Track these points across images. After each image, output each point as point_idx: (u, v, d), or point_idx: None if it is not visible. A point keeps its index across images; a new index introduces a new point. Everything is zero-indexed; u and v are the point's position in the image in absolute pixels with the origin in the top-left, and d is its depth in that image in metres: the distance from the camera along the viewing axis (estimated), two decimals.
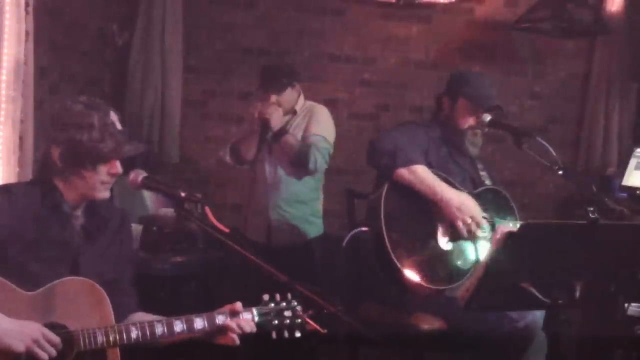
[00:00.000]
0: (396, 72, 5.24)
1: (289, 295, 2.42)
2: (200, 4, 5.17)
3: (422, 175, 3.16)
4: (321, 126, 4.20)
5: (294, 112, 4.23)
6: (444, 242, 3.15)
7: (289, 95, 4.17)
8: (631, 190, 4.42)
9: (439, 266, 3.11)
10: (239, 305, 2.38)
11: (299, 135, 4.15)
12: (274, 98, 4.10)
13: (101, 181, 2.35)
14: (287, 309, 2.40)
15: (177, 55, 5.07)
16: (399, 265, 3.04)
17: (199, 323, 2.34)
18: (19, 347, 2.08)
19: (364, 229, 3.22)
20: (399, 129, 3.43)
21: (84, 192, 2.35)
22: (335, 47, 5.20)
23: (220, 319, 2.36)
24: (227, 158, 4.25)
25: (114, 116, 2.36)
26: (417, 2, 5.13)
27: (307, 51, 5.20)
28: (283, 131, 4.10)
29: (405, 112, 5.23)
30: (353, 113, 5.22)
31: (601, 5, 4.83)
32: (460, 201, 3.14)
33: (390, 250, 3.04)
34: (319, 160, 4.06)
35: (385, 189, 3.17)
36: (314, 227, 4.29)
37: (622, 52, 5.04)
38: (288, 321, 2.39)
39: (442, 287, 3.06)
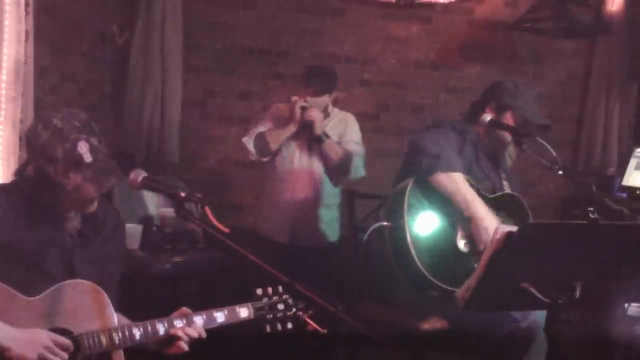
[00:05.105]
0: (396, 72, 5.24)
1: (280, 288, 2.45)
2: (200, 4, 5.17)
3: (460, 185, 3.13)
4: (358, 134, 4.24)
5: (327, 115, 4.23)
6: (462, 244, 3.15)
7: (325, 99, 4.18)
8: (631, 190, 4.43)
9: (455, 267, 3.10)
10: (186, 309, 2.37)
11: (335, 140, 4.15)
12: (310, 99, 4.10)
13: (77, 204, 2.31)
14: (279, 302, 2.43)
15: (177, 55, 5.07)
16: (417, 261, 3.03)
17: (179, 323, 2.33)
18: (32, 356, 2.07)
19: (385, 223, 3.19)
20: (441, 132, 3.35)
21: (67, 206, 2.32)
22: (335, 47, 5.20)
23: (178, 323, 2.33)
24: (251, 146, 4.16)
25: (83, 146, 2.23)
26: (417, 2, 5.13)
27: (307, 51, 5.20)
28: (326, 135, 4.09)
29: (405, 112, 5.24)
30: (353, 113, 5.20)
31: (601, 5, 4.83)
32: (490, 224, 3.10)
33: (410, 245, 3.03)
34: (360, 168, 4.11)
35: (410, 183, 3.16)
36: (334, 232, 4.29)
37: (622, 52, 5.05)
38: (281, 314, 2.42)
39: (456, 289, 3.05)
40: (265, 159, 4.17)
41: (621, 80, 5.08)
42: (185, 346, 2.32)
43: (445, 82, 5.23)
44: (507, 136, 3.35)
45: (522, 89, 3.43)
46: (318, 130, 4.06)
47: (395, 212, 3.15)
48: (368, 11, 5.19)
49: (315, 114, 4.05)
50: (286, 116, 4.18)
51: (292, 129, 4.11)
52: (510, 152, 3.44)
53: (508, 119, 3.34)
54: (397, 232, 3.10)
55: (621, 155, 5.00)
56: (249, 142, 4.15)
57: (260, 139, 4.14)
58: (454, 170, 3.14)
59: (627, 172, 4.50)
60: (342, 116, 4.30)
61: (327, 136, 4.09)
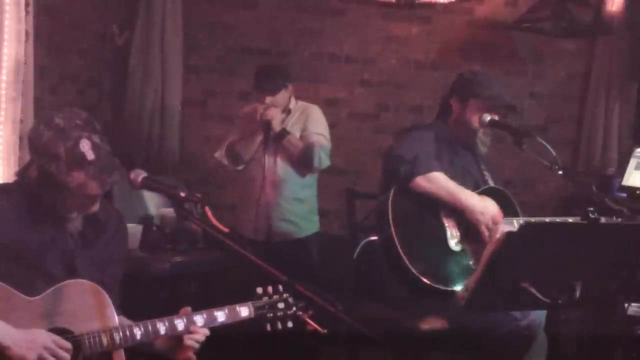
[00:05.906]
0: (396, 72, 5.24)
1: (280, 287, 2.44)
2: (200, 4, 5.17)
3: (442, 183, 3.15)
4: (319, 125, 4.29)
5: (288, 111, 4.31)
6: (453, 243, 3.16)
7: (282, 95, 4.24)
8: (631, 190, 4.42)
9: (450, 267, 3.12)
10: (188, 309, 2.37)
11: (297, 134, 4.23)
12: (268, 99, 4.18)
13: (79, 203, 2.30)
14: (280, 301, 2.44)
15: (177, 55, 5.07)
16: (412, 268, 3.03)
17: (200, 320, 2.34)
18: (31, 356, 2.07)
19: (372, 238, 3.20)
20: (413, 136, 3.37)
21: (69, 205, 2.32)
22: (335, 47, 5.20)
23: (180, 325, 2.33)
24: (224, 158, 4.33)
25: (85, 144, 2.23)
26: (417, 2, 5.13)
27: (307, 51, 5.20)
28: (285, 131, 4.18)
29: (405, 112, 5.23)
30: (353, 113, 5.22)
31: (601, 5, 4.83)
32: (483, 206, 3.15)
33: (402, 254, 3.03)
34: (323, 158, 4.16)
35: (391, 194, 3.16)
36: (311, 224, 4.37)
37: (622, 52, 5.05)
38: (281, 313, 2.42)
39: (455, 288, 3.05)
40: (240, 167, 4.34)
41: (621, 80, 5.08)
42: (193, 357, 2.34)
43: (445, 82, 5.17)
44: (474, 123, 3.35)
45: (483, 75, 3.45)
46: (276, 128, 4.15)
47: (382, 224, 3.15)
48: (368, 11, 5.19)
49: (271, 113, 4.15)
50: (254, 120, 4.28)
51: (259, 134, 4.22)
52: (482, 138, 3.45)
53: (474, 107, 3.34)
54: (387, 244, 3.10)
55: (621, 155, 4.99)
56: (222, 156, 4.36)
57: (231, 150, 4.31)
58: (432, 170, 3.16)
59: (627, 172, 4.50)
60: (305, 109, 4.37)
61: (287, 132, 4.19)
